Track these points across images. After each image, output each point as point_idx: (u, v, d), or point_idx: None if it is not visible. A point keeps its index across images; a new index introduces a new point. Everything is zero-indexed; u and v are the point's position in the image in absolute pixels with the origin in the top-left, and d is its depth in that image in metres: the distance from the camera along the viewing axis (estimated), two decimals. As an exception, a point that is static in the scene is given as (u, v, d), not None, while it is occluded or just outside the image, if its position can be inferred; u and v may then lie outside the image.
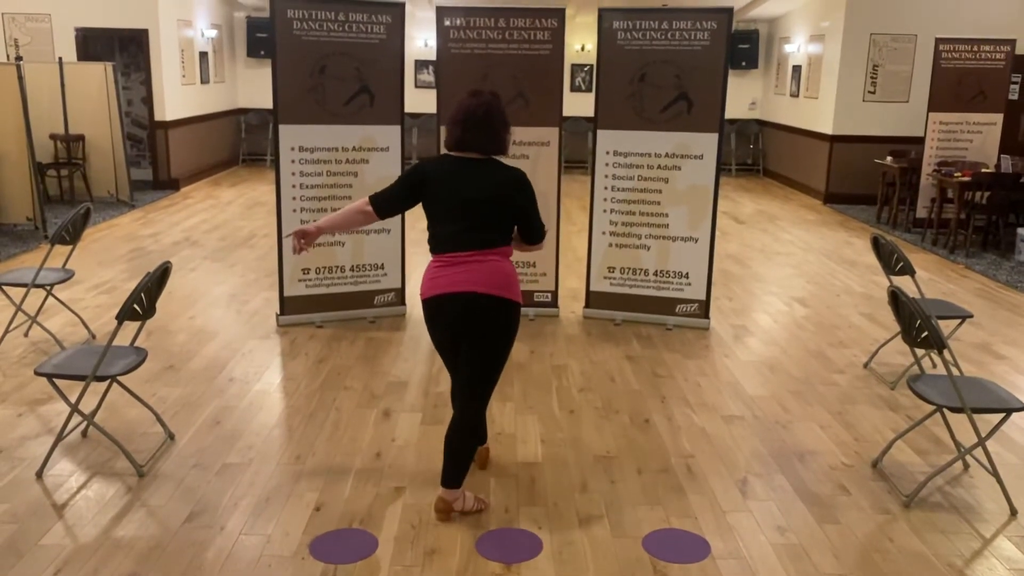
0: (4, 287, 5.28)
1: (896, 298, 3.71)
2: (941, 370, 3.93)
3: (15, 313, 5.38)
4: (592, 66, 13.25)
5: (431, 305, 3.36)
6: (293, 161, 5.68)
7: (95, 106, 10.20)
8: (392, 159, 5.90)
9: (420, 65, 14.45)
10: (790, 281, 7.50)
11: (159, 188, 11.63)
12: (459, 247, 3.30)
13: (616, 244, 6.01)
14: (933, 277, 7.69)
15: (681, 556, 3.23)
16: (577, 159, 14.14)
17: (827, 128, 11.72)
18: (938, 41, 9.47)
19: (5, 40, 11.04)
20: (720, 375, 5.17)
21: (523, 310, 5.22)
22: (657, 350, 5.57)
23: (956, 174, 8.83)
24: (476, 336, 3.32)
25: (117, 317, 3.64)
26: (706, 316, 6.03)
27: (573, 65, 14.40)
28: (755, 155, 14.83)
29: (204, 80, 12.91)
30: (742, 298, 6.91)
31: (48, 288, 5.44)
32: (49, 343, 5.37)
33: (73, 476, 3.74)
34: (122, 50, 12.66)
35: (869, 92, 11.43)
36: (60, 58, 10.35)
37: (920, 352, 4.26)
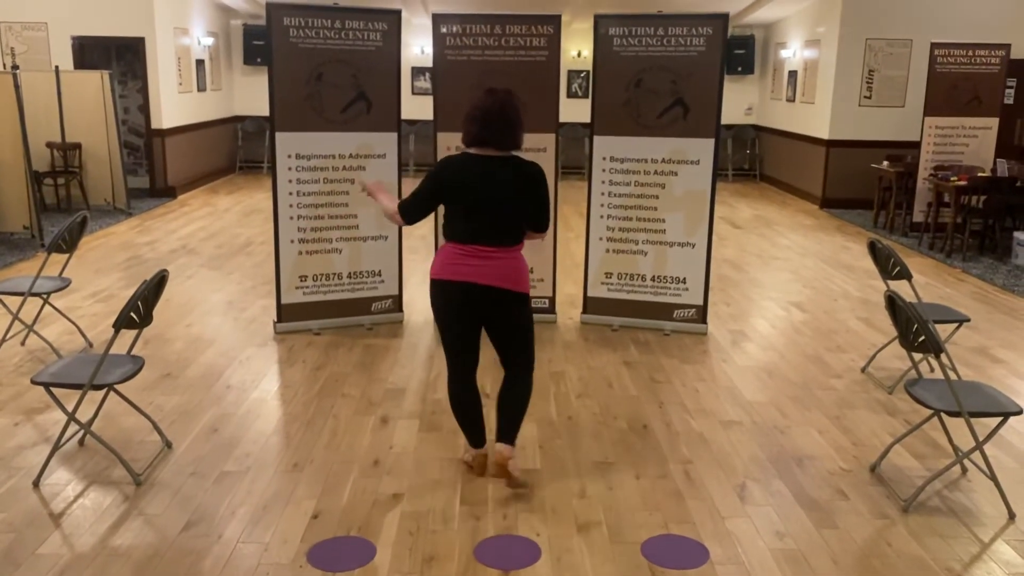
0: (1, 296, 5.28)
1: (893, 302, 3.72)
2: (939, 374, 3.94)
3: (12, 322, 5.37)
4: (588, 72, 13.27)
5: (453, 289, 3.59)
6: (290, 168, 5.68)
7: (92, 114, 10.21)
8: (389, 166, 5.90)
9: (417, 72, 14.48)
10: (787, 286, 7.51)
11: (156, 196, 11.62)
12: (486, 241, 3.55)
13: (613, 250, 6.01)
14: (930, 281, 7.70)
15: (680, 562, 3.23)
16: (574, 165, 14.16)
17: (823, 133, 11.74)
18: (933, 46, 9.50)
19: (2, 49, 11.04)
20: (718, 380, 5.17)
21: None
22: (655, 356, 5.57)
23: (952, 178, 8.85)
24: (504, 321, 3.67)
25: (114, 325, 3.63)
26: (704, 321, 6.03)
27: (569, 71, 14.43)
28: (751, 160, 14.86)
29: (201, 88, 12.92)
30: (739, 303, 6.91)
31: (45, 297, 5.43)
32: (46, 352, 5.36)
33: (70, 485, 3.73)
34: (119, 58, 12.66)
35: (865, 97, 11.46)
36: (57, 67, 10.35)
37: (917, 356, 4.27)
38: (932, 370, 5.22)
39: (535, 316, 6.08)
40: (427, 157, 11.54)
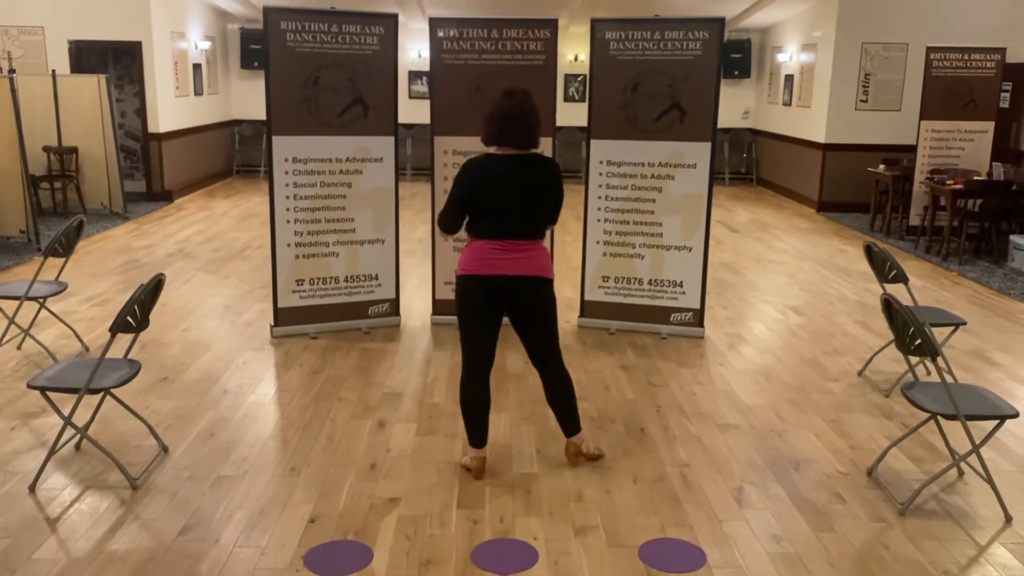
0: (-3, 300, 5.27)
1: (889, 306, 3.72)
2: (935, 377, 3.94)
3: (8, 326, 5.36)
4: (585, 76, 13.28)
5: (487, 283, 3.72)
6: (287, 172, 5.68)
7: (88, 118, 10.20)
8: (386, 170, 5.90)
9: (414, 76, 14.49)
10: (784, 289, 7.52)
11: (153, 200, 11.62)
12: (516, 235, 3.71)
13: (610, 253, 6.01)
14: (926, 285, 7.71)
15: (677, 566, 3.23)
16: (571, 169, 14.16)
17: (820, 137, 11.77)
18: (929, 50, 9.53)
19: (-2, 53, 11.04)
20: (715, 384, 5.17)
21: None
22: (652, 359, 5.57)
23: (948, 182, 8.87)
24: (535, 310, 3.80)
25: (110, 329, 3.63)
26: (700, 325, 6.03)
27: (566, 75, 14.45)
28: (748, 164, 14.88)
29: (198, 92, 12.92)
30: (736, 307, 6.92)
31: (41, 301, 5.42)
32: (42, 356, 5.35)
33: (66, 490, 3.72)
34: (115, 62, 12.67)
35: (861, 101, 11.48)
36: (53, 71, 10.35)
37: (914, 360, 4.27)
38: (929, 373, 5.23)
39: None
40: (424, 161, 11.56)
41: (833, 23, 11.35)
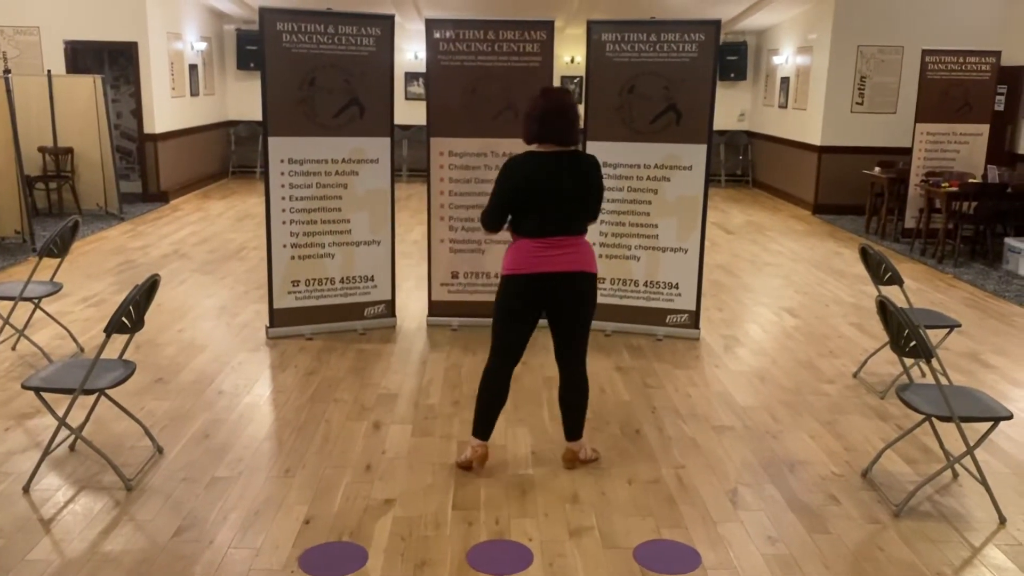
0: (-9, 300, 5.26)
1: (884, 308, 3.73)
2: (930, 379, 3.95)
3: (2, 326, 5.35)
4: (581, 78, 13.29)
5: (532, 281, 3.76)
6: (283, 173, 5.67)
7: (84, 119, 10.19)
8: (382, 171, 5.90)
9: (410, 77, 14.49)
10: (779, 291, 7.53)
11: (148, 201, 11.60)
12: (560, 232, 3.75)
13: (606, 255, 6.01)
14: (921, 287, 7.72)
15: (672, 567, 3.23)
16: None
17: (815, 139, 11.79)
18: (924, 53, 9.55)
19: (-6, 53, 11.02)
20: (710, 385, 5.17)
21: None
22: (647, 361, 5.58)
23: (944, 184, 8.89)
24: (574, 306, 3.81)
25: (105, 330, 3.63)
26: (696, 326, 6.04)
27: (562, 77, 14.44)
28: (744, 166, 14.91)
29: (194, 93, 12.91)
30: (732, 308, 6.93)
31: (36, 301, 5.41)
32: (37, 356, 5.33)
33: (60, 490, 3.71)
34: (111, 63, 12.65)
35: (857, 103, 11.51)
36: (49, 71, 10.34)
37: (909, 362, 4.28)
38: (923, 375, 5.24)
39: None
40: (420, 162, 11.53)
41: (829, 26, 11.38)
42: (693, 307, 5.99)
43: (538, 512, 3.61)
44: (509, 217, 3.81)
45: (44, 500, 3.62)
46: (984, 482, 3.69)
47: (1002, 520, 3.62)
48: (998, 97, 10.34)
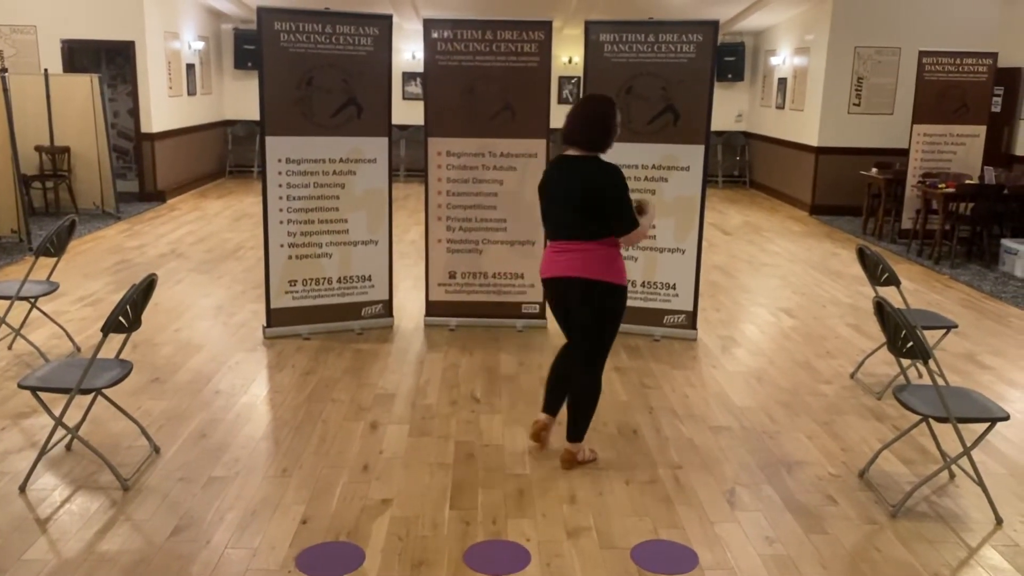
0: (-12, 300, 5.24)
1: (881, 309, 3.73)
2: (927, 380, 3.96)
3: (-1, 326, 5.34)
4: (579, 78, 13.30)
5: (546, 285, 3.98)
6: (280, 173, 5.67)
7: (81, 118, 10.17)
8: (379, 171, 5.90)
9: (408, 77, 14.48)
10: (777, 292, 7.53)
11: (145, 200, 11.58)
12: (561, 235, 3.85)
13: (603, 255, 6.00)
14: (918, 288, 7.73)
15: (669, 567, 3.23)
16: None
17: (813, 140, 11.80)
18: (921, 54, 9.56)
19: (-10, 52, 11.00)
20: (708, 386, 5.18)
21: (511, 321, 5.33)
22: (645, 361, 5.58)
23: (940, 185, 8.90)
24: (575, 312, 3.88)
25: (102, 329, 3.62)
26: (693, 327, 6.04)
27: (560, 77, 14.45)
28: (741, 167, 14.91)
29: (191, 92, 12.89)
30: (729, 309, 6.93)
31: (32, 300, 5.40)
32: (33, 356, 5.32)
33: (57, 490, 3.71)
34: (108, 62, 12.62)
35: (854, 104, 11.52)
36: (46, 70, 10.32)
37: (906, 362, 4.29)
38: (920, 376, 5.24)
39: (527, 321, 6.16)
40: (418, 162, 11.54)
41: (826, 27, 11.39)
42: (690, 308, 6.00)
43: (535, 512, 3.60)
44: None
45: (40, 500, 3.62)
46: (981, 483, 3.69)
47: (999, 521, 3.63)
48: (995, 98, 10.36)
